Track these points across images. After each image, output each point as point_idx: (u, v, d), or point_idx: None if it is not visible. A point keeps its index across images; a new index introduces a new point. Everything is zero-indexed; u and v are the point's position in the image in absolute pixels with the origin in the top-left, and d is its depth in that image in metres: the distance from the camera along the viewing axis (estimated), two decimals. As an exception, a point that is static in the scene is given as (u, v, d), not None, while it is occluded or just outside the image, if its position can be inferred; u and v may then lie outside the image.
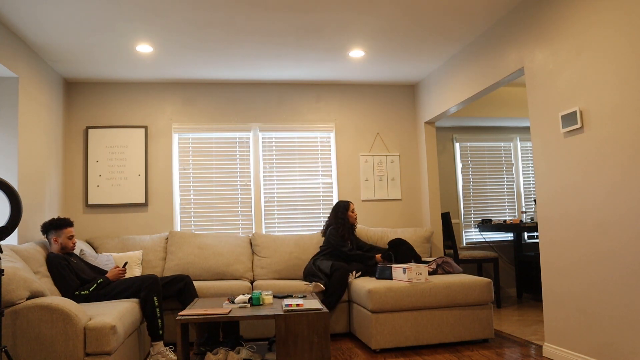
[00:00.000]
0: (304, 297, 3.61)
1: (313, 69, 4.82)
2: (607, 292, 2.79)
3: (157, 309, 3.33)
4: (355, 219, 4.56)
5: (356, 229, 4.76)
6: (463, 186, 6.10)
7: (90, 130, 4.86)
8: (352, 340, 3.98)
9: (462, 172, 6.11)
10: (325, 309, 3.00)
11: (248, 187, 5.15)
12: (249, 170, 5.17)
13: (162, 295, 3.53)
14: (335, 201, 5.23)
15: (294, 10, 3.52)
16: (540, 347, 3.57)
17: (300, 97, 5.29)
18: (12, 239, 3.62)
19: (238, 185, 5.14)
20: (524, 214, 5.73)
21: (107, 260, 4.05)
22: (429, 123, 5.27)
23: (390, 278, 3.93)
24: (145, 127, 4.96)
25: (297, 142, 5.28)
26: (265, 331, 4.04)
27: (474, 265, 5.90)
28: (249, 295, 3.33)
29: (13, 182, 3.67)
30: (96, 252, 4.39)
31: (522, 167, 6.26)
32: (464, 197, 6.08)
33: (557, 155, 3.18)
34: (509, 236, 6.05)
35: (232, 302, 3.30)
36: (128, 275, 4.08)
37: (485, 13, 3.70)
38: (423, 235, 4.84)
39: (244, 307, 3.21)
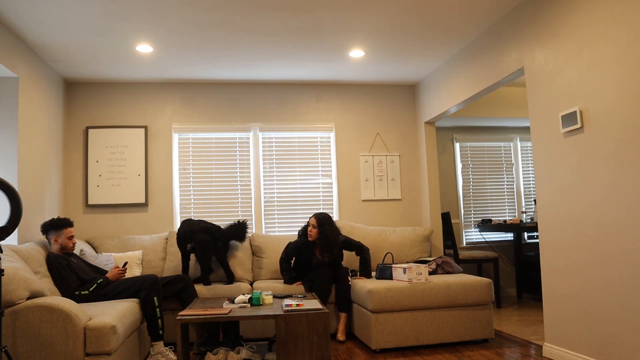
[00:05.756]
0: (304, 297, 3.61)
1: (313, 69, 4.82)
2: (607, 292, 2.79)
3: (157, 309, 3.33)
4: (314, 235, 4.18)
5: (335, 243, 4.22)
6: (463, 186, 6.09)
7: (90, 130, 4.86)
8: (352, 340, 3.98)
9: (462, 172, 6.11)
10: (325, 309, 3.00)
11: (248, 187, 5.15)
12: (249, 170, 5.17)
13: (162, 295, 3.53)
14: (335, 201, 5.24)
15: (294, 10, 3.52)
16: (540, 347, 3.57)
17: (300, 97, 5.29)
18: (12, 239, 3.62)
19: (238, 185, 5.14)
20: (524, 214, 5.73)
21: (107, 260, 4.05)
22: (429, 123, 5.27)
23: (391, 278, 3.93)
24: (145, 127, 4.96)
25: (297, 142, 5.28)
26: (265, 331, 4.04)
27: (474, 265, 5.90)
28: (249, 295, 3.33)
29: (13, 182, 3.67)
30: (96, 252, 4.39)
31: (522, 167, 6.26)
32: (464, 197, 6.08)
33: (557, 155, 3.18)
34: (509, 236, 6.05)
35: (232, 302, 3.30)
36: (128, 275, 4.08)
37: (485, 13, 3.70)
38: (422, 235, 4.84)
39: (244, 307, 3.21)
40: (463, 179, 6.11)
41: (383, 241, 4.78)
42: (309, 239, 4.18)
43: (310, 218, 4.24)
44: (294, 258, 4.32)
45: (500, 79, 3.81)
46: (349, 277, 4.09)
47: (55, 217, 3.73)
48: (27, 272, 2.82)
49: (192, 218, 4.34)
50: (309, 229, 4.19)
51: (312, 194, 5.24)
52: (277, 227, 5.15)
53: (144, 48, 4.10)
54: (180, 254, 4.38)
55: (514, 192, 6.20)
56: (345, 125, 5.34)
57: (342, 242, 4.24)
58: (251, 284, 4.40)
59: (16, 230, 3.39)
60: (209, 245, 3.99)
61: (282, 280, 4.29)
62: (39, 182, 4.10)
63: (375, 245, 4.74)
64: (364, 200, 5.28)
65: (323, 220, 4.17)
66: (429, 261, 4.39)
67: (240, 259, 4.49)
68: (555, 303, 3.22)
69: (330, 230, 4.14)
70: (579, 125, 2.96)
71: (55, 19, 3.49)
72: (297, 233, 4.43)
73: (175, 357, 3.32)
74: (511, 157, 6.26)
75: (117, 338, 2.70)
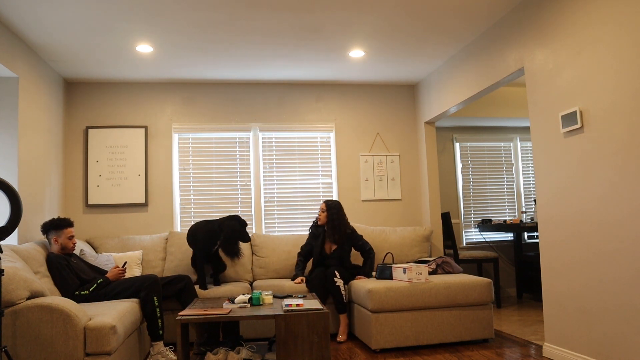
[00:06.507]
0: (304, 297, 3.61)
1: (313, 69, 4.82)
2: (607, 292, 2.79)
3: (157, 309, 3.33)
4: (322, 219, 4.33)
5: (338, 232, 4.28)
6: (463, 186, 6.09)
7: (90, 130, 4.86)
8: (352, 340, 3.98)
9: (462, 172, 6.11)
10: (325, 309, 3.00)
11: (248, 187, 5.15)
12: (249, 170, 5.17)
13: (162, 295, 3.53)
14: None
15: (294, 10, 3.52)
16: (540, 347, 3.57)
17: (300, 97, 5.29)
18: (12, 239, 3.62)
19: (238, 185, 5.14)
20: (524, 214, 5.73)
21: (107, 260, 4.05)
22: (429, 123, 5.27)
23: (391, 278, 3.93)
24: (145, 127, 4.96)
25: (297, 142, 5.28)
26: (266, 331, 4.04)
27: (474, 265, 5.90)
28: (249, 295, 3.33)
29: (13, 182, 3.67)
30: (96, 252, 4.39)
31: (522, 167, 6.26)
32: (464, 197, 6.08)
33: (557, 155, 3.18)
34: (509, 236, 6.05)
35: (232, 302, 3.30)
36: (128, 275, 4.08)
37: (486, 13, 3.70)
38: (423, 234, 4.84)
39: (244, 307, 3.21)
40: (463, 179, 6.11)
41: (383, 241, 4.79)
42: (318, 222, 4.36)
43: (321, 204, 4.45)
44: (312, 249, 4.39)
45: (500, 79, 3.81)
46: (335, 279, 3.93)
47: (55, 217, 3.73)
48: (27, 272, 2.82)
49: (200, 220, 4.30)
50: (319, 213, 4.38)
51: (312, 194, 5.24)
52: (277, 227, 5.15)
53: (144, 48, 4.10)
54: (187, 258, 4.38)
55: (514, 192, 6.20)
56: (345, 125, 5.34)
57: (351, 233, 4.30)
58: (251, 284, 4.40)
59: (16, 230, 3.39)
60: (237, 232, 4.00)
61: (283, 280, 4.30)
62: (39, 182, 4.10)
63: (375, 245, 4.74)
64: (364, 200, 5.28)
65: (332, 205, 4.33)
66: (429, 261, 4.39)
67: (240, 259, 4.48)
68: (555, 303, 3.22)
69: (337, 215, 4.28)
70: (579, 125, 2.96)
71: (55, 18, 3.49)
72: (297, 233, 4.44)
73: (175, 357, 3.32)
74: (511, 157, 6.26)
75: (117, 338, 2.70)
